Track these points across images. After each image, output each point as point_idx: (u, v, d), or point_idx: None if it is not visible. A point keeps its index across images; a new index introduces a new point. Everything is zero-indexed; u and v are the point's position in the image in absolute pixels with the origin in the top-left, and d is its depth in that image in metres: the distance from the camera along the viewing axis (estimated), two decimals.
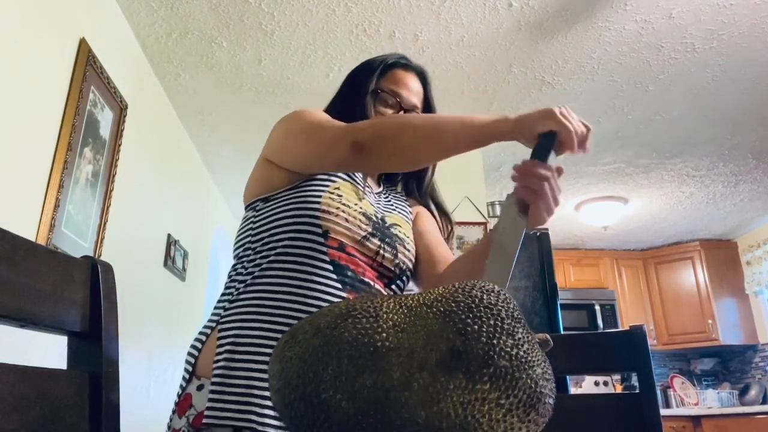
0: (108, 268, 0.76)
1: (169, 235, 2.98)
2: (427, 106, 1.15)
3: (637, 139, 3.45)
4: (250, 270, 0.96)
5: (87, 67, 2.00)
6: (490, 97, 2.97)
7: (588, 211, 4.45)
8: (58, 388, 0.65)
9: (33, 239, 1.71)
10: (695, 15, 2.39)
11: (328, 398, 0.48)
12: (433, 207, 1.19)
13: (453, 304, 0.51)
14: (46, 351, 1.52)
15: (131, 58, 2.48)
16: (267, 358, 0.86)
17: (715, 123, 3.27)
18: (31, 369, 0.62)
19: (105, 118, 2.19)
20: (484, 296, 0.52)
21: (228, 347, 0.89)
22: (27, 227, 1.72)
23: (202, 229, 3.71)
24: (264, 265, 0.94)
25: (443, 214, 1.19)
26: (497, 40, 2.54)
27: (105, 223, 2.19)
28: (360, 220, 0.98)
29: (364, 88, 1.09)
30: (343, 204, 0.98)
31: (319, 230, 0.94)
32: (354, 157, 0.89)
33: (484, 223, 3.16)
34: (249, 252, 0.99)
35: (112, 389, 0.71)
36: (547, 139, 0.80)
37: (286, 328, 0.88)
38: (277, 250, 0.95)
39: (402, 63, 1.14)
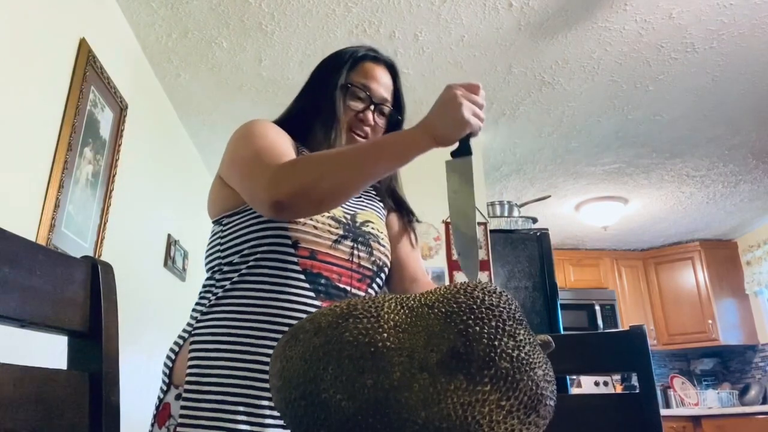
0: (108, 268, 0.76)
1: (169, 235, 2.98)
2: (397, 98, 1.13)
3: (637, 139, 3.45)
4: (221, 283, 0.96)
5: (87, 67, 2.00)
6: (490, 97, 2.97)
7: (588, 211, 4.45)
8: (58, 388, 0.65)
9: (33, 239, 1.71)
10: (695, 15, 2.39)
11: (329, 398, 0.48)
12: (392, 204, 1.17)
13: (455, 305, 0.51)
14: (46, 351, 1.51)
15: (131, 58, 2.48)
16: (239, 372, 0.87)
17: (715, 123, 3.27)
18: (31, 369, 0.62)
19: (105, 118, 2.19)
20: (486, 297, 0.52)
21: (199, 358, 0.89)
22: (27, 227, 1.72)
23: (202, 229, 3.71)
24: (235, 278, 0.94)
25: (404, 211, 1.18)
26: (497, 40, 2.54)
27: (105, 223, 2.19)
28: (329, 225, 0.97)
29: (333, 82, 1.06)
30: None
31: (289, 241, 0.94)
32: (279, 213, 0.86)
33: (485, 224, 3.16)
34: (220, 265, 0.98)
35: (112, 389, 0.71)
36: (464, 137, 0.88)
37: (259, 341, 0.89)
38: (249, 263, 0.94)
39: (371, 56, 1.11)
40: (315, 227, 0.95)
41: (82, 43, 2.00)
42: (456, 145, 0.89)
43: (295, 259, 0.93)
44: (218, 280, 0.97)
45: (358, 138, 1.06)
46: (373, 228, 1.05)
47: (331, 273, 0.96)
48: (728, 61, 2.69)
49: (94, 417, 0.69)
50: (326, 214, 0.98)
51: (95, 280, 0.74)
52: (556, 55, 2.66)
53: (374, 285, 1.04)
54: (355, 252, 0.99)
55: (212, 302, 0.95)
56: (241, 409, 0.85)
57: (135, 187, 2.54)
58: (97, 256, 2.11)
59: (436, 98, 0.90)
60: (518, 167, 3.80)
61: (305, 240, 0.94)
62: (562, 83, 2.87)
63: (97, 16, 2.15)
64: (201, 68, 2.70)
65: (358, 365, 0.48)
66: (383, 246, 1.06)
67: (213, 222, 1.05)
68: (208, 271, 1.02)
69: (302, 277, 0.93)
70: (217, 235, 1.01)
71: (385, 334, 0.49)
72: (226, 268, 0.97)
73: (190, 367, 0.89)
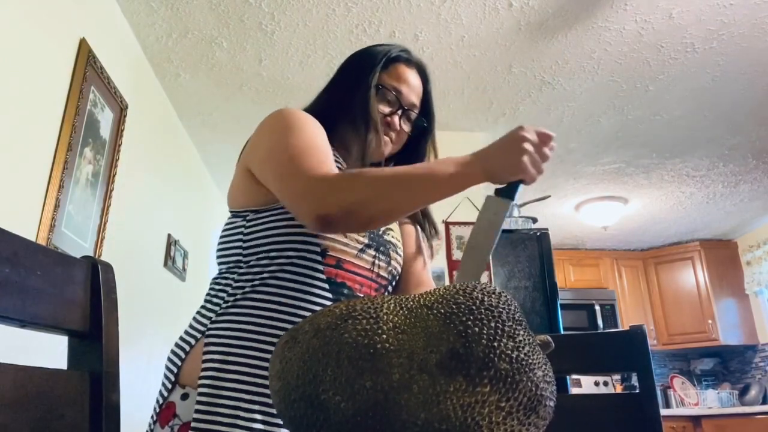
0: (108, 268, 0.76)
1: (169, 235, 2.98)
2: (426, 103, 1.11)
3: (637, 139, 3.45)
4: (241, 284, 0.93)
5: (87, 67, 2.00)
6: (490, 97, 2.97)
7: (588, 211, 4.45)
8: (59, 388, 0.65)
9: (33, 239, 1.71)
10: (695, 15, 2.39)
11: (328, 399, 0.48)
12: (419, 216, 1.13)
13: (454, 306, 0.51)
14: (46, 351, 1.51)
15: (131, 58, 2.48)
16: (256, 379, 0.86)
17: (715, 123, 3.27)
18: (31, 369, 0.62)
19: (105, 119, 2.19)
20: (485, 298, 0.52)
21: (217, 361, 0.87)
22: (27, 227, 1.72)
23: (202, 229, 3.71)
24: (257, 282, 0.92)
25: (429, 225, 1.14)
26: (497, 40, 2.54)
27: (105, 223, 2.19)
28: (357, 234, 0.96)
29: (366, 82, 1.02)
30: None
31: (318, 248, 0.92)
32: (323, 227, 0.84)
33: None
34: (240, 264, 0.95)
35: (112, 389, 0.71)
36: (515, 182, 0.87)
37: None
38: (272, 267, 0.92)
39: (404, 57, 1.08)
40: (345, 235, 0.94)
41: (82, 43, 2.00)
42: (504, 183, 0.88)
43: (321, 267, 0.92)
44: (236, 280, 0.94)
45: (385, 141, 1.03)
46: (392, 236, 1.04)
47: (354, 283, 0.95)
48: (728, 61, 2.69)
49: (94, 417, 0.69)
50: None
51: (95, 280, 0.74)
52: (556, 55, 2.66)
53: (386, 293, 1.03)
54: (376, 262, 0.99)
55: (229, 303, 0.92)
56: (257, 416, 0.84)
57: (135, 187, 2.54)
58: (97, 256, 2.11)
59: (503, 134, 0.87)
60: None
61: (334, 248, 0.93)
62: (562, 83, 2.87)
63: (97, 16, 2.15)
64: (201, 68, 2.70)
65: (357, 366, 0.48)
66: (400, 255, 1.05)
67: (234, 213, 1.00)
68: (222, 264, 0.98)
69: (326, 286, 0.92)
70: (239, 230, 0.96)
71: (384, 336, 0.49)
72: (244, 268, 0.94)
73: (206, 369, 0.87)
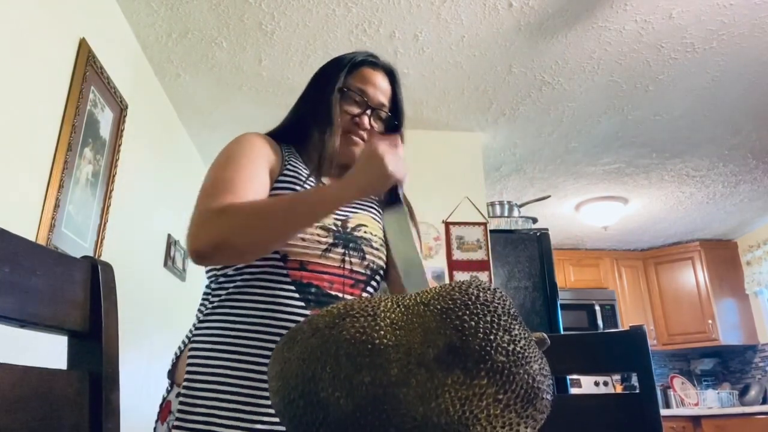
0: (108, 268, 0.76)
1: (169, 235, 2.99)
2: (395, 105, 1.13)
3: (637, 139, 3.45)
4: (217, 292, 0.98)
5: (87, 67, 2.00)
6: (490, 97, 2.97)
7: (588, 211, 4.45)
8: (58, 388, 0.65)
9: (33, 239, 1.71)
10: (695, 15, 2.39)
11: (327, 396, 0.48)
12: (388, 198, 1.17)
13: (450, 302, 0.51)
14: (46, 351, 1.51)
15: (131, 58, 2.48)
16: (232, 380, 0.89)
17: (715, 123, 3.27)
18: (31, 369, 0.62)
19: (105, 118, 2.19)
20: (481, 294, 0.52)
21: (195, 365, 0.92)
22: (27, 227, 1.72)
23: None
24: (231, 289, 0.96)
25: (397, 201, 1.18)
26: (497, 40, 2.54)
27: (105, 223, 2.19)
28: (318, 235, 0.97)
29: (330, 87, 1.07)
30: None
31: (278, 255, 0.95)
32: (200, 262, 0.88)
33: (484, 223, 3.16)
34: (216, 275, 1.00)
35: (112, 389, 0.71)
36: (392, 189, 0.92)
37: (252, 350, 0.90)
38: (243, 275, 0.96)
39: (370, 61, 1.12)
40: (303, 239, 0.96)
41: (82, 43, 2.00)
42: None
43: (285, 272, 0.95)
44: (214, 289, 0.99)
45: (356, 141, 1.06)
46: (365, 232, 1.05)
47: (322, 281, 0.96)
48: (728, 61, 2.69)
49: (94, 417, 0.69)
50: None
51: (95, 280, 0.74)
52: (556, 55, 2.66)
53: (369, 288, 1.04)
54: (347, 258, 1.00)
55: (208, 310, 0.97)
56: (233, 414, 0.87)
57: (135, 187, 2.54)
58: (97, 256, 2.11)
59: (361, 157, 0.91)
60: (518, 167, 3.80)
61: (293, 253, 0.95)
62: (562, 83, 2.87)
63: (97, 16, 2.15)
64: (201, 68, 2.70)
65: (355, 363, 0.48)
66: (376, 249, 1.05)
67: None
68: (207, 278, 1.04)
69: (293, 288, 0.94)
70: None
71: (382, 332, 0.50)
72: (222, 279, 0.99)
73: (188, 372, 0.92)
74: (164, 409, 0.94)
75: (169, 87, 2.84)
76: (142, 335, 2.63)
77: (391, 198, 0.93)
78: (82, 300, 0.72)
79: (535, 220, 3.61)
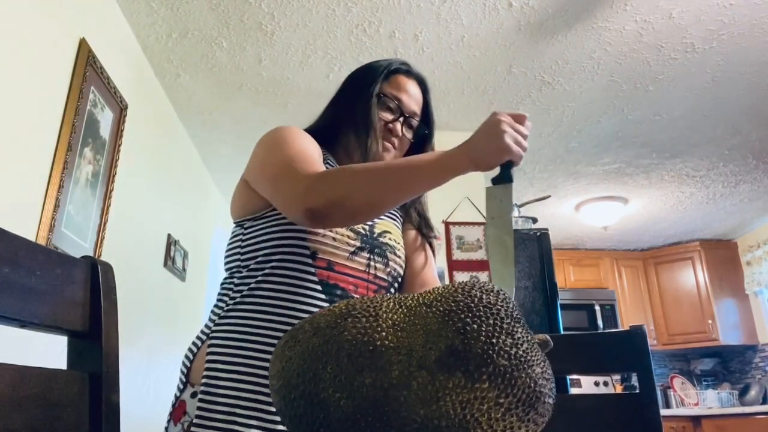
0: (108, 268, 0.76)
1: (169, 235, 2.98)
2: (426, 113, 1.15)
3: (637, 139, 3.45)
4: (239, 288, 0.97)
5: (87, 67, 2.00)
6: (490, 97, 2.97)
7: (588, 211, 4.45)
8: (58, 388, 0.65)
9: (33, 239, 1.71)
10: (695, 15, 2.39)
11: (328, 397, 0.48)
12: (414, 216, 1.16)
13: (452, 304, 0.51)
14: (46, 351, 1.51)
15: (131, 58, 2.48)
16: (252, 378, 0.89)
17: (715, 123, 3.27)
18: (31, 369, 0.62)
19: (105, 118, 2.19)
20: (484, 296, 0.52)
21: (217, 361, 0.91)
22: (27, 227, 1.72)
23: (202, 229, 3.71)
24: (253, 285, 0.96)
25: (426, 227, 1.17)
26: (497, 40, 2.54)
27: (105, 223, 2.19)
28: (347, 236, 0.98)
29: (367, 92, 1.08)
30: None
31: (307, 251, 0.95)
32: (313, 222, 0.86)
33: (484, 224, 3.15)
34: (239, 268, 1.00)
35: (112, 389, 0.71)
36: (505, 165, 0.88)
37: (272, 348, 0.89)
38: (266, 270, 0.95)
39: (404, 69, 1.14)
40: (334, 239, 0.97)
41: (82, 43, 2.00)
42: (497, 171, 0.88)
43: (312, 270, 0.94)
44: (236, 284, 0.98)
45: (387, 146, 1.07)
46: (390, 239, 1.06)
47: (347, 284, 0.97)
48: (728, 61, 2.69)
49: (94, 417, 0.69)
50: None
51: (95, 280, 0.74)
52: (556, 55, 2.66)
53: (388, 294, 1.04)
54: (372, 263, 1.01)
55: (230, 306, 0.96)
56: (253, 414, 0.86)
57: (135, 187, 2.54)
58: (97, 256, 2.11)
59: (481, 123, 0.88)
60: (518, 167, 3.80)
61: (323, 251, 0.96)
62: (562, 83, 2.87)
63: (97, 16, 2.15)
64: (201, 68, 2.70)
65: (356, 364, 0.48)
66: (399, 257, 1.07)
67: (235, 224, 1.06)
68: (227, 271, 1.04)
69: (318, 287, 0.94)
70: (238, 238, 1.02)
71: (384, 333, 0.50)
72: (244, 272, 0.98)
73: (207, 369, 0.91)
74: (177, 409, 0.93)
75: (169, 87, 2.84)
76: (142, 335, 2.63)
77: (501, 174, 0.88)
78: (82, 300, 0.72)
79: (535, 220, 3.61)
